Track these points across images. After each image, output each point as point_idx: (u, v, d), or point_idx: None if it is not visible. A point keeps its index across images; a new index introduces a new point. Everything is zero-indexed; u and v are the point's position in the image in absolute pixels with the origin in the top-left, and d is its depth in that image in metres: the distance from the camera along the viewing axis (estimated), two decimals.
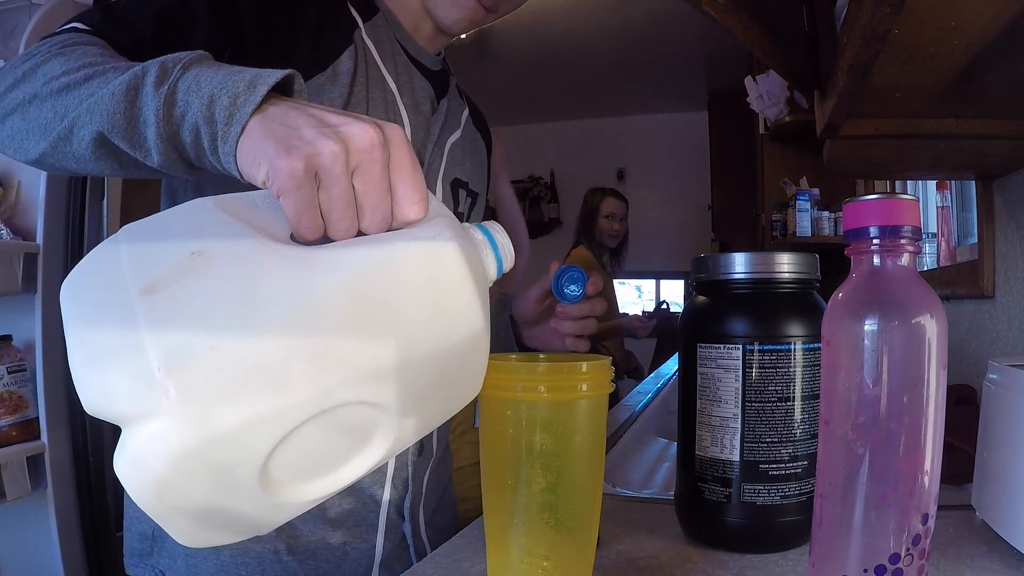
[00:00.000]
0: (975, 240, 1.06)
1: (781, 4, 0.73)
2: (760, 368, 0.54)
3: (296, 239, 0.37)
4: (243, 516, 0.35)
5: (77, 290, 0.35)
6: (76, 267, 0.37)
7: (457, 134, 0.78)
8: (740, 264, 0.57)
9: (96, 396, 0.32)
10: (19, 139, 0.49)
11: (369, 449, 0.38)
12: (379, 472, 0.70)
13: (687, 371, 0.59)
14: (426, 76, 0.76)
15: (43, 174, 1.55)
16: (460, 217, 0.78)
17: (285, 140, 0.37)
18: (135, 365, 0.30)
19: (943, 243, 1.30)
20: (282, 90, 0.43)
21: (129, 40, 0.54)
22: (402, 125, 0.69)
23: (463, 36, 0.80)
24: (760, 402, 0.54)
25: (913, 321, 0.37)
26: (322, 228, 0.37)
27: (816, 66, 0.70)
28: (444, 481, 0.85)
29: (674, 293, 4.78)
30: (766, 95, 2.54)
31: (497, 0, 0.71)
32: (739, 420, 0.55)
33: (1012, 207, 0.93)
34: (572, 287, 0.59)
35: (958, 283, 1.08)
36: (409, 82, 0.73)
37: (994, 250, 0.98)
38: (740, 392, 0.55)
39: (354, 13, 0.69)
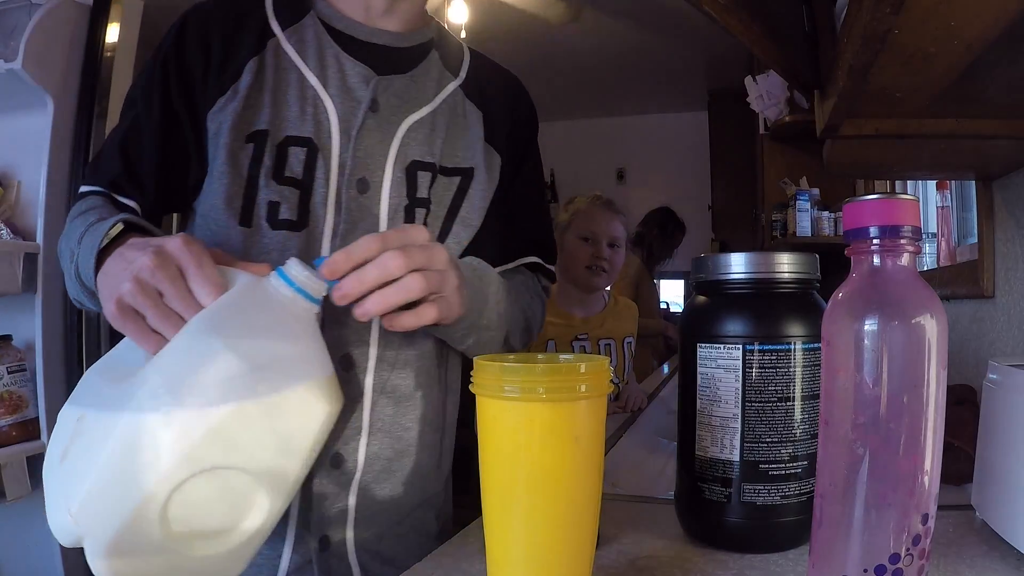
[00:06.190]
0: (975, 240, 1.06)
1: (781, 4, 0.73)
2: (760, 368, 0.54)
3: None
4: None
5: (55, 439, 0.52)
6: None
7: (424, 111, 0.74)
8: (740, 264, 0.57)
9: (56, 526, 0.49)
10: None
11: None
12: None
13: (687, 371, 0.59)
14: (379, 56, 0.72)
15: (43, 174, 1.55)
16: (447, 203, 0.74)
17: (111, 287, 0.52)
18: (64, 510, 0.47)
19: (943, 243, 1.30)
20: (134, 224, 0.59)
21: (109, 179, 0.68)
22: (326, 114, 0.69)
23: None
24: (760, 402, 0.54)
25: (913, 321, 0.37)
26: (160, 342, 0.49)
27: (816, 66, 0.70)
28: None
29: (674, 293, 4.79)
30: (766, 95, 2.55)
31: None
32: (739, 420, 0.55)
33: (1012, 207, 0.93)
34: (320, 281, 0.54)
35: (958, 283, 1.08)
36: (338, 71, 0.71)
37: (994, 250, 0.98)
38: (740, 392, 0.55)
39: (273, 26, 0.70)
